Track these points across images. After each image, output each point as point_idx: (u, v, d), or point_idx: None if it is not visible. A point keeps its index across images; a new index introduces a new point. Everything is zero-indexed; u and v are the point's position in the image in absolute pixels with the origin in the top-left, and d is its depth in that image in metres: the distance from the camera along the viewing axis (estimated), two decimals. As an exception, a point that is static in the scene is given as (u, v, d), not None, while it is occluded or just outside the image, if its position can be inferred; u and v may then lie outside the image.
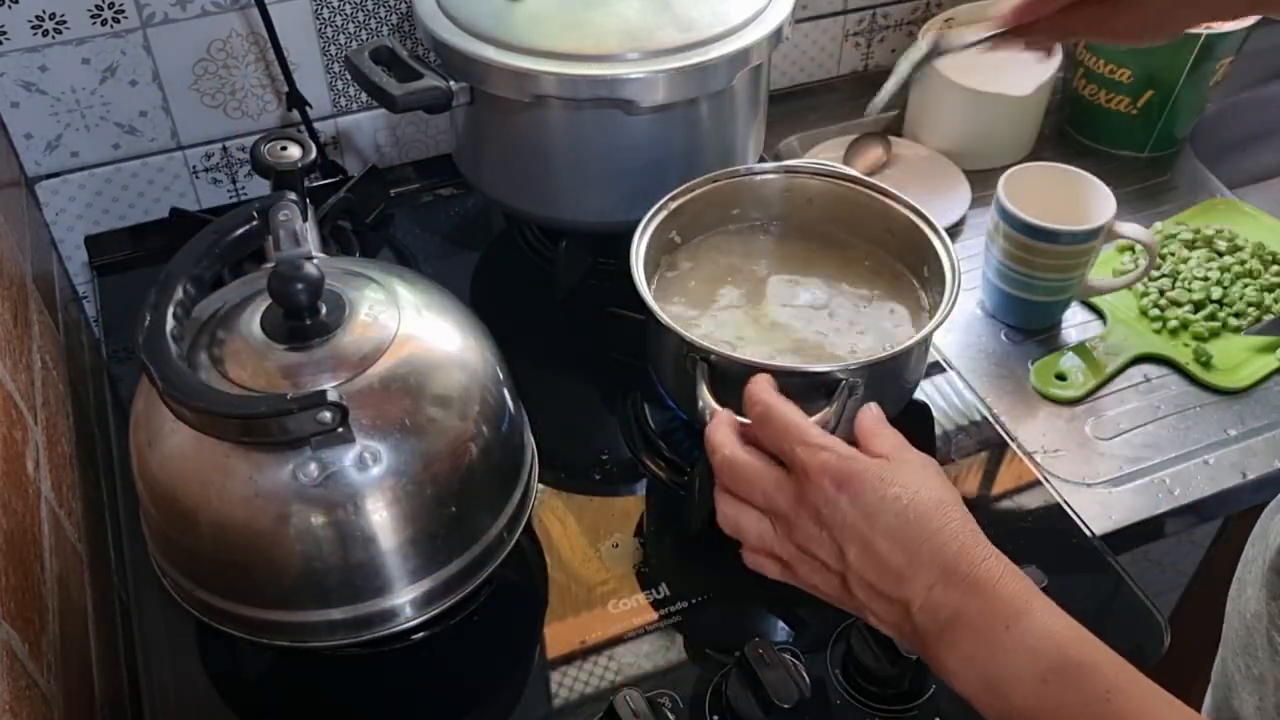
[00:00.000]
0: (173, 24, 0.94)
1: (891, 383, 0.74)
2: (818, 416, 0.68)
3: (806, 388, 0.69)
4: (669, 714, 0.64)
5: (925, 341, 0.73)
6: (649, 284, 0.74)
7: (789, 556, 0.57)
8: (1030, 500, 0.79)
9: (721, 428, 0.60)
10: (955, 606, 0.51)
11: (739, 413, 0.62)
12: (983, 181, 1.04)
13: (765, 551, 0.59)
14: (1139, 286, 0.95)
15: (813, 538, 0.56)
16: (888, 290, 0.80)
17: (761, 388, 0.60)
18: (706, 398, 0.67)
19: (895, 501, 0.53)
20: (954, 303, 0.71)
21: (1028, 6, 0.70)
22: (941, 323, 0.71)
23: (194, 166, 1.02)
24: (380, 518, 0.59)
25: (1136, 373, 0.89)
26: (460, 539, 0.64)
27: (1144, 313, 0.93)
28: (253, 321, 0.62)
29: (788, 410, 0.58)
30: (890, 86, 0.77)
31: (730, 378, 0.69)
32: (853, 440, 0.58)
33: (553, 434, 0.78)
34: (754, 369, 0.69)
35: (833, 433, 0.68)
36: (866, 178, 0.82)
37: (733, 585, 0.73)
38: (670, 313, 0.73)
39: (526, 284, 0.98)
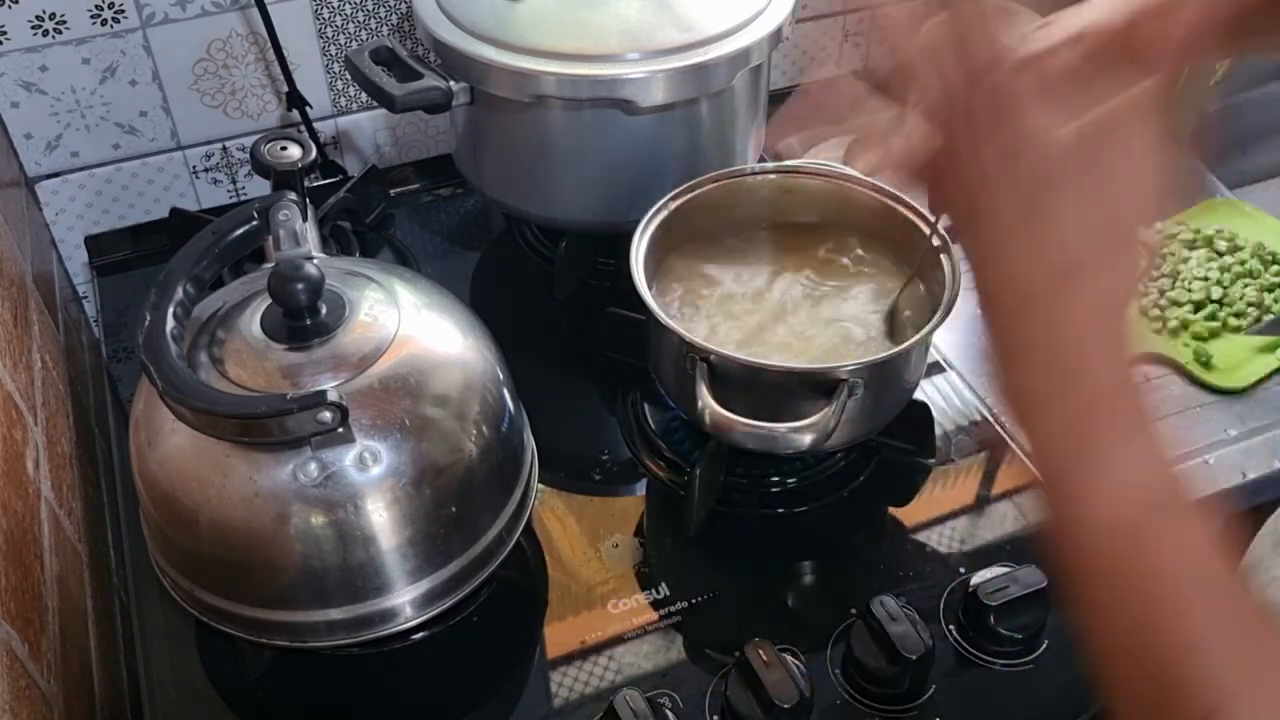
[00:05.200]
0: (173, 24, 0.94)
1: (892, 382, 0.74)
2: (816, 416, 0.68)
3: (806, 388, 0.69)
4: (669, 714, 0.64)
5: (925, 341, 0.73)
6: (649, 284, 0.74)
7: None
8: (1030, 500, 0.79)
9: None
10: (1133, 403, 0.43)
11: (740, 409, 0.62)
12: (983, 181, 1.03)
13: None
14: (1139, 286, 0.94)
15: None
16: (888, 290, 0.80)
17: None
18: (706, 398, 0.67)
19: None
20: (954, 302, 0.71)
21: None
22: (941, 323, 0.71)
23: (194, 166, 1.02)
24: (380, 518, 0.59)
25: (1136, 373, 0.89)
26: (460, 539, 0.64)
27: (1144, 313, 0.93)
28: (253, 321, 0.62)
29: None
30: None
31: (730, 377, 0.69)
32: None
33: (553, 434, 0.78)
34: (753, 368, 0.69)
35: (833, 432, 0.68)
36: (866, 178, 0.81)
37: (733, 585, 0.73)
38: (670, 313, 0.73)
39: (526, 284, 0.98)
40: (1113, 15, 0.54)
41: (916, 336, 0.71)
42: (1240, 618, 0.39)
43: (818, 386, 0.68)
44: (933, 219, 0.72)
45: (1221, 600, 0.39)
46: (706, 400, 0.67)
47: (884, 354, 0.71)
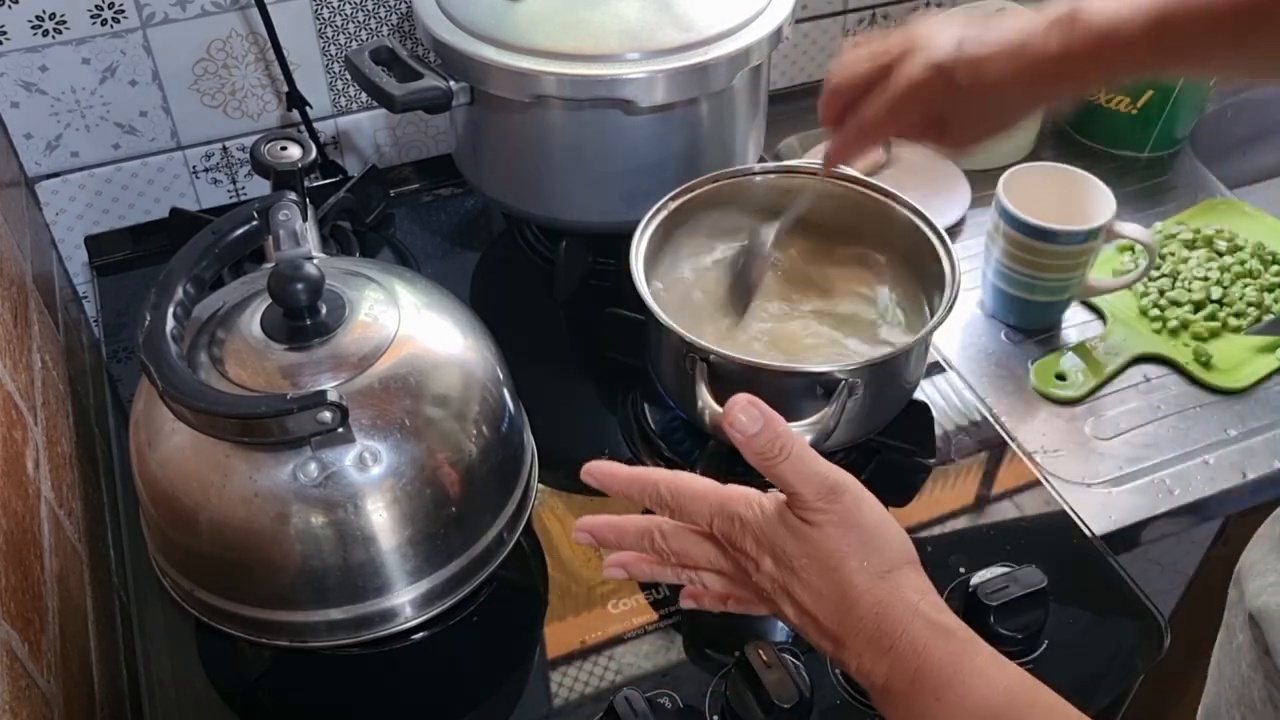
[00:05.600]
0: (173, 24, 0.94)
1: (891, 383, 0.74)
2: (816, 416, 0.68)
3: (806, 388, 0.69)
4: (669, 714, 0.64)
5: (925, 341, 0.73)
6: (649, 284, 0.74)
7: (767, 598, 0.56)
8: (1030, 500, 0.79)
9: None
10: (884, 677, 0.51)
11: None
12: (983, 181, 1.04)
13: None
14: (1139, 286, 0.94)
15: (764, 585, 0.54)
16: (887, 290, 0.80)
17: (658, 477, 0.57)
18: (706, 398, 0.68)
19: (806, 573, 0.52)
20: (954, 302, 0.71)
21: (839, 153, 0.71)
22: (941, 323, 0.71)
23: (194, 166, 1.02)
24: (380, 518, 0.59)
25: (1136, 373, 0.89)
26: (460, 539, 0.64)
27: (1144, 313, 0.93)
28: (253, 321, 0.62)
29: (693, 484, 0.56)
30: (784, 224, 0.80)
31: (730, 377, 0.69)
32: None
33: (553, 434, 0.78)
34: (753, 369, 0.69)
35: (832, 432, 0.68)
36: (866, 178, 0.82)
37: (733, 585, 0.73)
38: (670, 313, 0.73)
39: (526, 284, 0.98)
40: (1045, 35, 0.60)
41: (916, 336, 0.72)
42: None
43: (817, 386, 0.68)
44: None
45: None
46: (706, 400, 0.67)
47: (883, 354, 0.71)
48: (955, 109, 0.65)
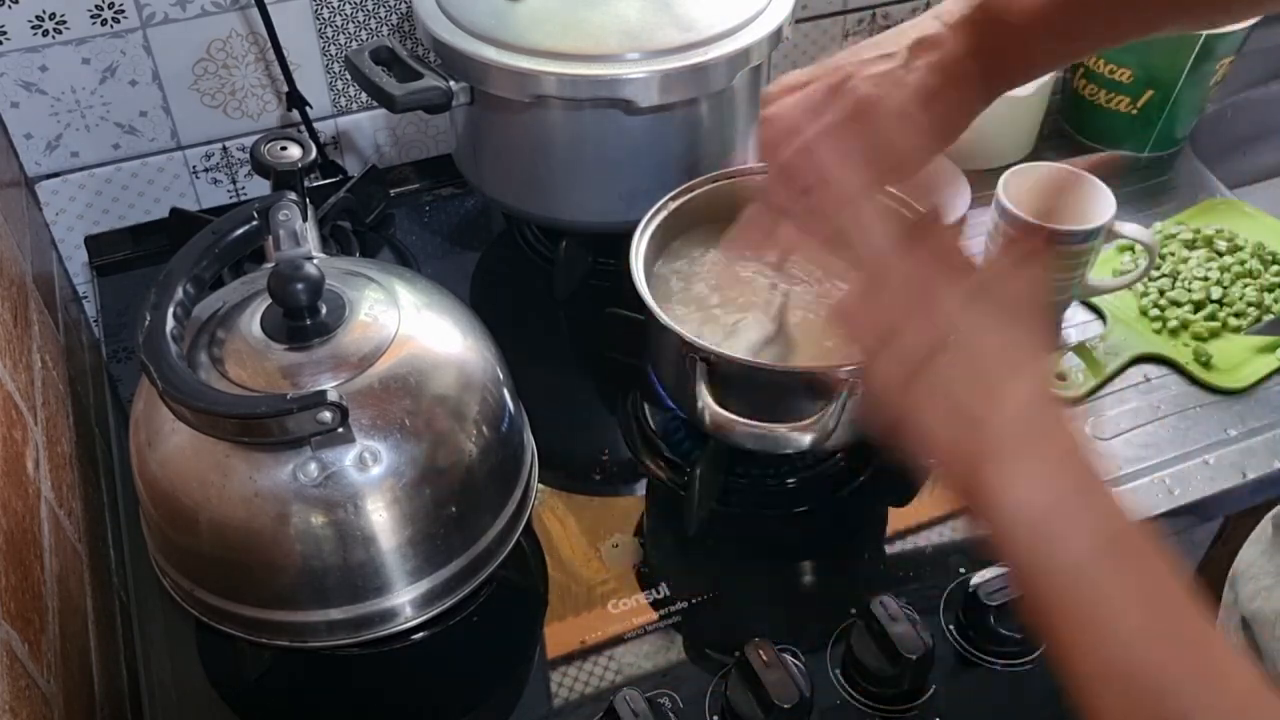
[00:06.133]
0: (173, 24, 0.94)
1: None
2: (816, 416, 0.68)
3: (806, 388, 0.69)
4: (669, 714, 0.64)
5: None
6: (648, 284, 0.74)
7: (879, 356, 0.50)
8: (1030, 500, 0.79)
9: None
10: (1040, 432, 0.46)
11: (739, 409, 0.62)
12: (983, 181, 1.03)
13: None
14: (1139, 286, 0.94)
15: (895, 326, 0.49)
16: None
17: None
18: (706, 397, 0.68)
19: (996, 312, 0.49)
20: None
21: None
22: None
23: (194, 166, 1.02)
24: (380, 518, 0.59)
25: (1136, 373, 0.89)
26: (460, 539, 0.64)
27: (1144, 313, 0.93)
28: (253, 321, 0.62)
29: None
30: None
31: (730, 377, 0.69)
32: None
33: (553, 434, 0.78)
34: (753, 368, 0.69)
35: (833, 433, 0.68)
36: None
37: (733, 585, 0.73)
38: (670, 313, 0.73)
39: (526, 284, 0.98)
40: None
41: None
42: (1190, 628, 0.42)
43: (818, 386, 0.68)
44: None
45: (1167, 607, 0.42)
46: (706, 400, 0.67)
47: None
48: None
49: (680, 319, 0.76)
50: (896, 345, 0.49)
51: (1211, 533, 0.96)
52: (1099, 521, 0.43)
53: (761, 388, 0.70)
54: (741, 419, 0.66)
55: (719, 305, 0.79)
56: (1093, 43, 0.65)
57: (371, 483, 0.58)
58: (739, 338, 0.75)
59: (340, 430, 0.57)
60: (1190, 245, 0.98)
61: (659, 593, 0.73)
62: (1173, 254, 0.98)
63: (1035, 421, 0.46)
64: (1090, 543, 0.42)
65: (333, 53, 1.01)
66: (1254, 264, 0.95)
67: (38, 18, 0.89)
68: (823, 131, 0.58)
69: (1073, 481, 0.44)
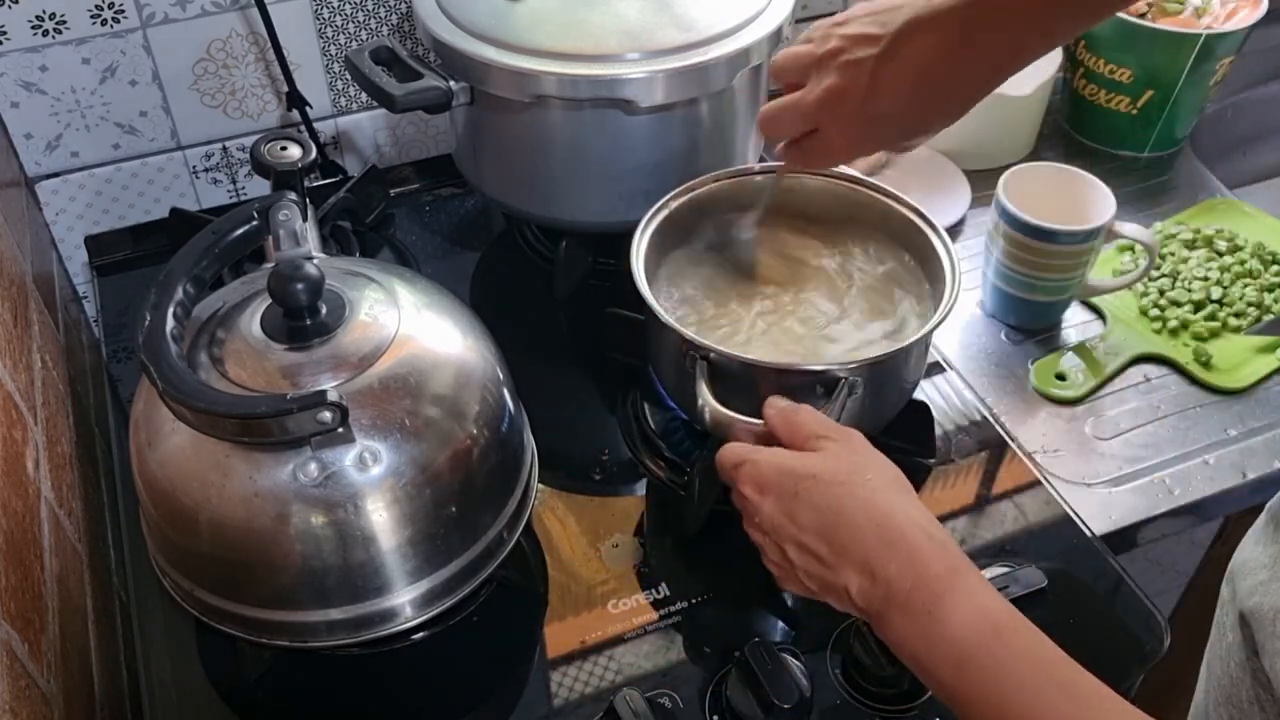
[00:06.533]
0: (173, 24, 0.94)
1: (891, 382, 0.74)
2: None
3: (806, 386, 0.69)
4: (669, 714, 0.64)
5: (925, 341, 0.73)
6: (649, 284, 0.74)
7: (773, 569, 0.62)
8: (1030, 500, 0.79)
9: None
10: (885, 590, 0.53)
11: (739, 408, 0.65)
12: (983, 181, 1.04)
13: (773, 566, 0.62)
14: (1139, 286, 0.95)
15: (764, 545, 0.60)
16: (887, 289, 0.80)
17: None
18: (706, 396, 0.67)
19: (808, 494, 0.56)
20: (954, 303, 0.71)
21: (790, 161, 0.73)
22: (941, 323, 0.71)
23: (194, 166, 1.02)
24: (380, 518, 0.59)
25: (1136, 373, 0.89)
26: (460, 539, 0.63)
27: (1144, 313, 0.93)
28: (253, 321, 0.62)
29: (727, 443, 0.64)
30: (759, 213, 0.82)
31: (730, 376, 0.69)
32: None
33: (553, 434, 0.78)
34: (753, 367, 0.69)
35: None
36: (866, 178, 0.82)
37: (733, 585, 0.73)
38: (670, 312, 0.73)
39: (526, 284, 0.98)
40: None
41: (916, 335, 0.72)
42: (1084, 683, 0.50)
43: (817, 385, 0.68)
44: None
45: (1068, 674, 0.50)
46: (706, 398, 0.67)
47: (883, 352, 0.71)
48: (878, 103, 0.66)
49: (681, 320, 0.76)
50: (772, 556, 0.60)
51: (1211, 533, 0.96)
52: (952, 645, 0.51)
53: (761, 386, 0.70)
54: (740, 416, 0.66)
55: (718, 304, 0.79)
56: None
57: (371, 483, 0.58)
58: (738, 336, 0.75)
59: (340, 430, 0.57)
60: (1190, 245, 0.98)
61: (659, 593, 0.73)
62: (1173, 254, 0.98)
63: (879, 581, 0.54)
64: (951, 664, 0.51)
65: (333, 53, 1.01)
66: (1254, 264, 0.95)
67: (38, 18, 0.89)
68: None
69: (924, 604, 0.52)
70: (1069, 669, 0.50)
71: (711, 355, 0.69)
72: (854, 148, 0.69)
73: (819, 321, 0.77)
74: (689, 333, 0.70)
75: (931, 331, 0.71)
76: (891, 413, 0.76)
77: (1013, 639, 0.51)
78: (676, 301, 0.79)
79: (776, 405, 0.64)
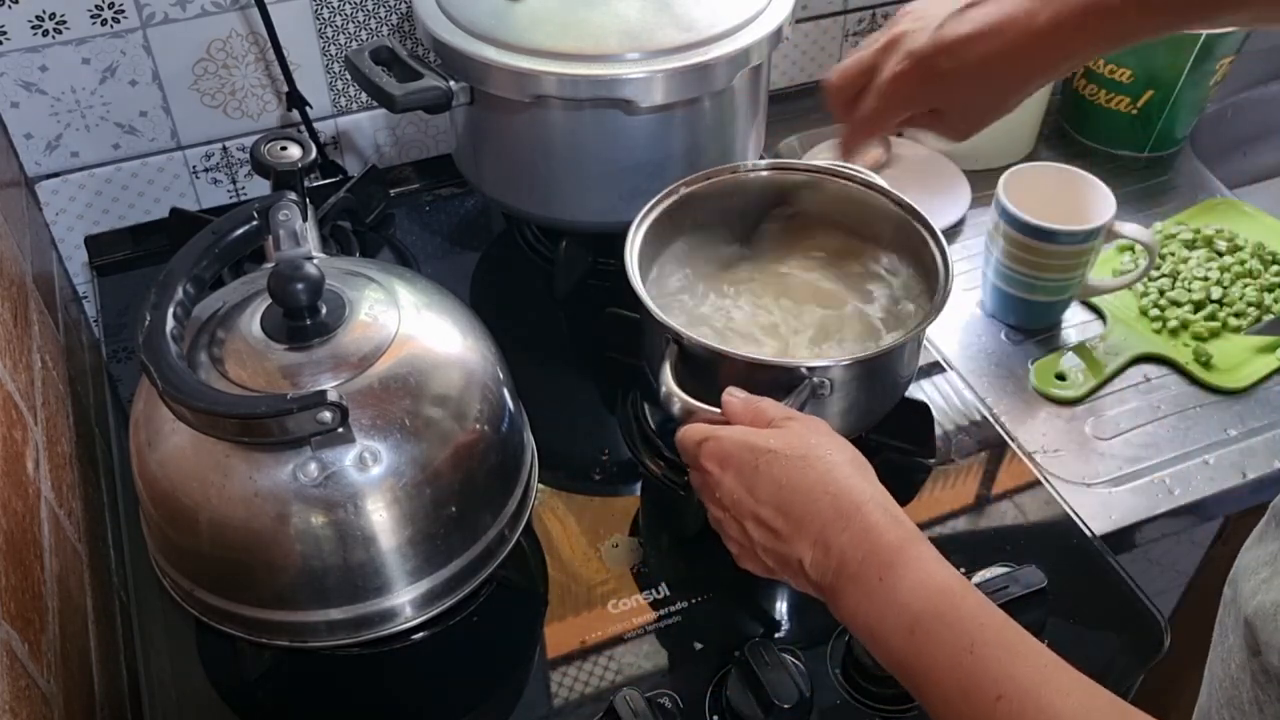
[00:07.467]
0: (173, 24, 0.94)
1: (876, 380, 0.73)
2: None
3: (771, 381, 0.68)
4: (669, 714, 0.64)
5: (917, 338, 0.73)
6: (644, 280, 0.74)
7: (732, 547, 0.62)
8: (1030, 500, 0.79)
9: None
10: (838, 561, 0.54)
11: (703, 396, 0.66)
12: (983, 181, 1.04)
13: (733, 544, 0.63)
14: (1139, 286, 0.95)
15: (722, 522, 0.61)
16: (884, 289, 0.80)
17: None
18: (668, 379, 0.67)
19: (768, 467, 0.57)
20: (944, 303, 0.71)
21: (844, 147, 0.74)
22: (931, 321, 0.70)
23: (194, 166, 1.02)
24: (380, 518, 0.59)
25: (1136, 373, 0.89)
26: (460, 539, 0.64)
27: (1144, 313, 0.93)
28: (253, 321, 0.62)
29: (689, 424, 0.64)
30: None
31: (697, 363, 0.68)
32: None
33: (553, 434, 0.78)
34: (721, 356, 0.68)
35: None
36: (866, 175, 0.81)
37: (733, 585, 0.73)
38: (665, 309, 0.72)
39: (526, 284, 0.98)
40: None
41: (903, 335, 0.71)
42: (1029, 644, 0.50)
43: (783, 381, 0.67)
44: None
45: (1014, 636, 0.50)
46: (668, 382, 0.67)
47: (863, 354, 0.70)
48: (944, 95, 0.66)
49: (665, 308, 0.75)
50: (731, 533, 0.61)
51: (1211, 533, 0.96)
52: (902, 610, 0.52)
53: (730, 377, 0.68)
54: (701, 403, 0.65)
55: (710, 299, 0.79)
56: (1163, 23, 0.66)
57: (371, 483, 0.58)
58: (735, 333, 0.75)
59: (340, 430, 0.57)
60: (1190, 245, 0.98)
61: (659, 593, 0.73)
62: (1173, 254, 0.98)
63: (832, 552, 0.55)
64: (903, 630, 0.51)
65: (333, 53, 1.01)
66: (1254, 264, 0.95)
67: (38, 18, 0.89)
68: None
69: (875, 571, 0.53)
70: (1014, 631, 0.50)
71: (681, 339, 0.68)
72: (911, 98, 0.67)
73: (814, 318, 0.77)
74: (660, 314, 0.69)
75: (920, 329, 0.70)
76: (882, 411, 0.76)
77: (961, 602, 0.51)
78: (671, 297, 0.79)
79: (736, 394, 0.64)
